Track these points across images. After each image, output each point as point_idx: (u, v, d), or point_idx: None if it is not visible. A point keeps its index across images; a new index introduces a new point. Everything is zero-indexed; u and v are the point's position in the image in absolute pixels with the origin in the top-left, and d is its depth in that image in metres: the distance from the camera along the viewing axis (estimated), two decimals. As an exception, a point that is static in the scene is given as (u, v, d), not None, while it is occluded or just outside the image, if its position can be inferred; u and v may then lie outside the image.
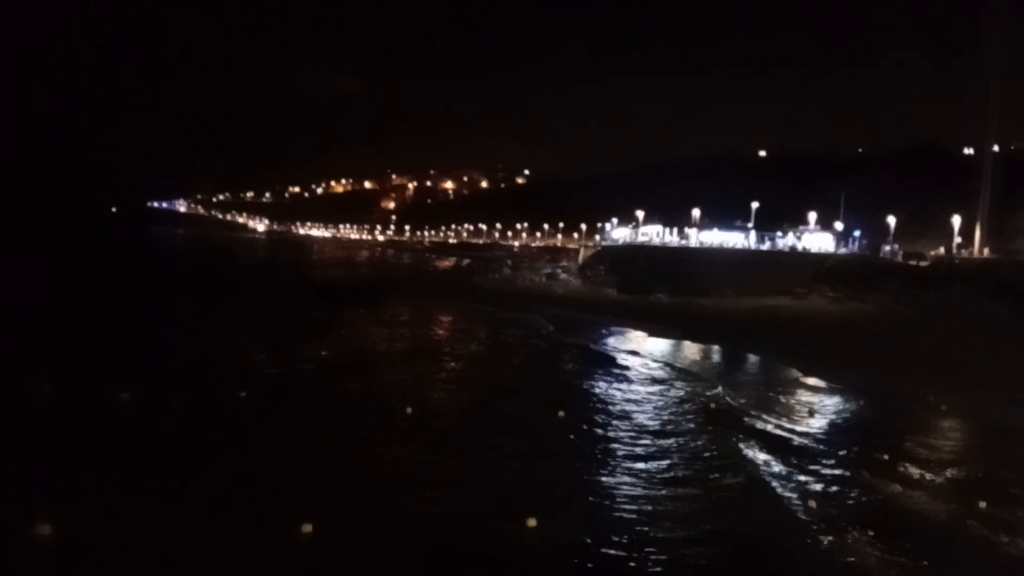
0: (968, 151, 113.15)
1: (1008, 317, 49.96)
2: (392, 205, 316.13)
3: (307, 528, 14.86)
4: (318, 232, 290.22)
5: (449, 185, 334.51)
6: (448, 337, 44.76)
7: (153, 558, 13.47)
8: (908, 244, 79.40)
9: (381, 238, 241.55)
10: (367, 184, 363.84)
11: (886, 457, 21.72)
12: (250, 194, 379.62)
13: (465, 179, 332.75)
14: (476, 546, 14.83)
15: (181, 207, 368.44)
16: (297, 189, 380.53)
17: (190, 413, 22.81)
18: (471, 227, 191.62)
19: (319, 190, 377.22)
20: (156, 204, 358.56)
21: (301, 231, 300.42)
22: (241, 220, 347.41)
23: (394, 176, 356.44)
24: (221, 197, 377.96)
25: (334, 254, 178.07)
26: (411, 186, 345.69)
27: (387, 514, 16.04)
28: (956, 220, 75.97)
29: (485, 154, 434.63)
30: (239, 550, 14.13)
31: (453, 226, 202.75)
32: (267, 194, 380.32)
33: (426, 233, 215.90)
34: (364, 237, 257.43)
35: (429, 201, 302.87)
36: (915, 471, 20.74)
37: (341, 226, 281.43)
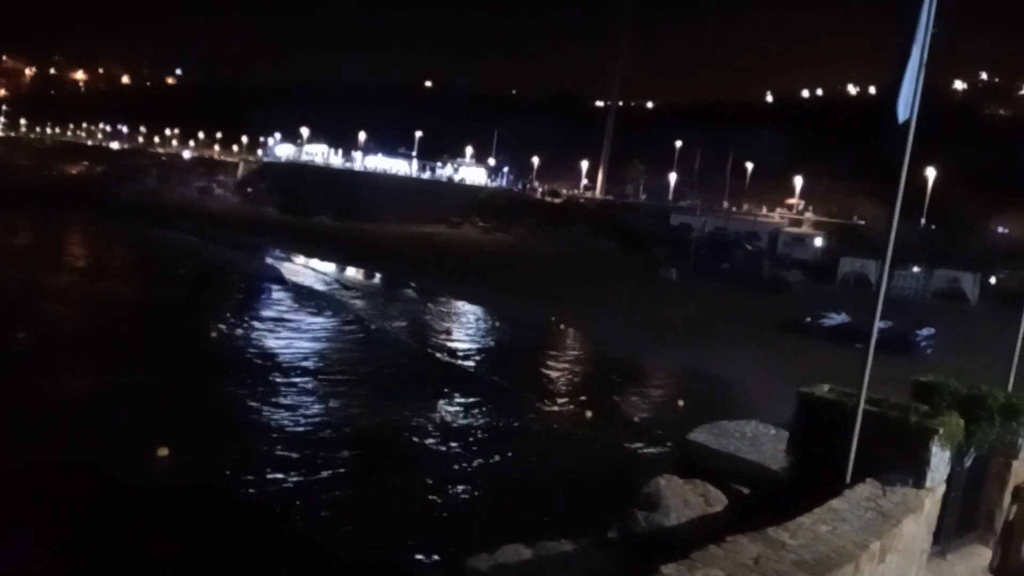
0: (599, 104, 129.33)
1: (616, 251, 60.00)
2: (2, 93, 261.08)
3: None
4: None
5: (80, 76, 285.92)
6: (80, 257, 39.81)
7: None
8: (548, 183, 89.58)
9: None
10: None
11: (516, 372, 25.11)
12: None
13: (101, 71, 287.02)
14: (101, 477, 13.95)
15: None
16: None
17: None
18: (109, 128, 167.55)
19: None
20: None
21: None
22: None
23: (5, 57, 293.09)
24: None
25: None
26: (28, 72, 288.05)
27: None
28: (584, 165, 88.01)
29: (126, 44, 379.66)
30: None
31: (85, 125, 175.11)
32: None
33: (48, 130, 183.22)
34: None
35: (53, 93, 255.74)
36: (540, 384, 24.36)
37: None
